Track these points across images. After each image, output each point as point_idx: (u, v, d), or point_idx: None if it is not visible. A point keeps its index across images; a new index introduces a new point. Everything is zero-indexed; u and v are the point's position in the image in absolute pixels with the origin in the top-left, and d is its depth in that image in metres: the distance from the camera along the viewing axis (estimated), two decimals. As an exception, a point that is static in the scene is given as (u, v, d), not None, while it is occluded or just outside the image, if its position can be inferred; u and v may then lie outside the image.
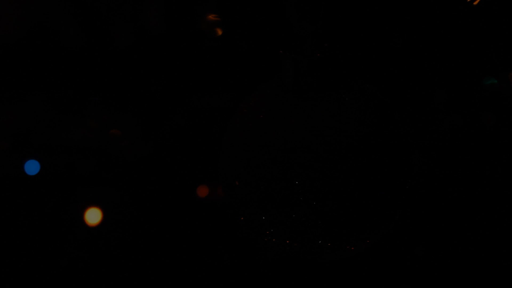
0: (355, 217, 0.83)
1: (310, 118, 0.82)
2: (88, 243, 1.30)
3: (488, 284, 1.24)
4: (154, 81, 1.32)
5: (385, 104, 0.86)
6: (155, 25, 1.31)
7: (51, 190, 1.32)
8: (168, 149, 1.32)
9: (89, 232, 1.30)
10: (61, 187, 1.32)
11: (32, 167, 1.32)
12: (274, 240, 0.86)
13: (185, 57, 1.30)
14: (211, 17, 1.29)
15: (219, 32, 1.29)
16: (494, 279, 1.24)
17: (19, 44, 1.32)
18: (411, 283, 1.27)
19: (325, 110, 0.83)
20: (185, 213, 1.32)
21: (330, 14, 0.85)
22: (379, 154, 0.82)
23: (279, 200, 0.82)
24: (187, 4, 1.29)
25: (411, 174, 0.86)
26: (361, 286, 1.27)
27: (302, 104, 0.83)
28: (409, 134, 0.87)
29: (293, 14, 0.84)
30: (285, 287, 1.29)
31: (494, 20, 1.17)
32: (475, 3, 1.10)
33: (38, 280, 1.29)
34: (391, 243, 1.19)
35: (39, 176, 1.32)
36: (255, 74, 1.24)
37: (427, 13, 1.19)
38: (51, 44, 1.32)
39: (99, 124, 1.32)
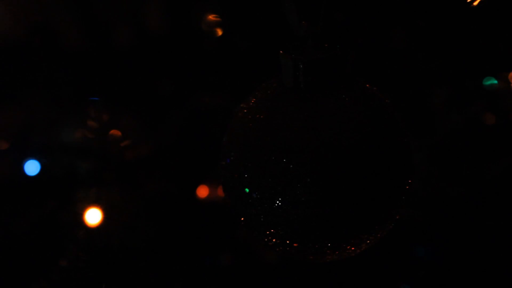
0: (355, 217, 0.83)
1: (310, 118, 0.82)
2: (88, 243, 1.30)
3: (488, 284, 1.24)
4: (154, 81, 1.32)
5: (385, 104, 0.86)
6: (155, 25, 1.31)
7: (51, 190, 1.32)
8: (168, 149, 1.32)
9: (89, 232, 1.29)
10: (61, 187, 1.32)
11: (32, 167, 1.32)
12: (274, 240, 0.86)
13: (185, 57, 1.30)
14: (211, 17, 1.29)
15: (219, 32, 1.29)
16: (494, 279, 1.24)
17: (19, 44, 1.32)
18: (411, 283, 1.27)
19: (325, 110, 0.83)
20: (185, 213, 1.32)
21: (330, 14, 0.85)
22: (379, 154, 0.82)
23: (279, 200, 0.82)
24: (187, 4, 1.29)
25: (411, 174, 0.86)
26: (361, 286, 1.27)
27: (302, 104, 0.83)
28: (409, 134, 0.87)
29: (293, 15, 0.84)
30: (285, 287, 1.29)
31: (494, 20, 1.17)
32: (475, 3, 1.10)
33: (38, 280, 1.29)
34: (391, 243, 1.19)
35: (39, 176, 1.32)
36: (255, 74, 1.24)
37: (427, 13, 1.19)
38: (51, 45, 1.32)
39: (99, 124, 1.32)
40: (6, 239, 1.32)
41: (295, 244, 0.85)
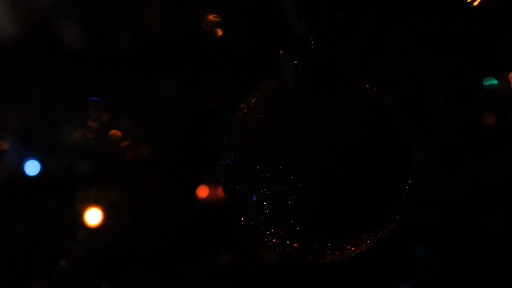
0: (355, 217, 0.83)
1: (310, 118, 0.82)
2: (88, 243, 1.29)
3: (488, 284, 1.24)
4: (154, 81, 1.32)
5: (385, 104, 0.86)
6: (155, 25, 1.31)
7: (51, 190, 1.32)
8: (168, 149, 1.32)
9: (89, 232, 1.29)
10: (61, 187, 1.32)
11: (32, 167, 1.32)
12: (274, 240, 0.86)
13: (185, 57, 1.30)
14: (211, 17, 1.29)
15: (219, 32, 1.29)
16: (494, 279, 1.24)
17: (19, 44, 1.32)
18: (411, 283, 1.27)
19: (325, 110, 0.83)
20: (185, 213, 1.32)
21: (330, 14, 0.85)
22: (379, 154, 0.83)
23: (279, 200, 0.82)
24: (187, 4, 1.29)
25: (411, 174, 0.86)
26: (361, 286, 1.27)
27: (302, 104, 0.83)
28: (409, 134, 0.87)
29: (293, 15, 0.84)
30: (285, 287, 1.29)
31: (494, 20, 1.17)
32: (475, 3, 1.10)
33: (38, 280, 1.29)
34: (391, 243, 1.19)
35: (39, 176, 1.32)
36: (255, 74, 1.24)
37: (428, 14, 1.19)
38: (51, 45, 1.32)
39: (99, 124, 1.32)
40: (6, 239, 1.32)
41: (295, 244, 0.85)
